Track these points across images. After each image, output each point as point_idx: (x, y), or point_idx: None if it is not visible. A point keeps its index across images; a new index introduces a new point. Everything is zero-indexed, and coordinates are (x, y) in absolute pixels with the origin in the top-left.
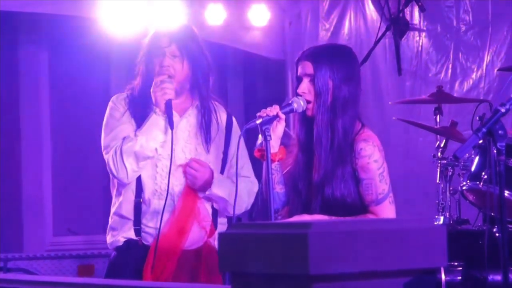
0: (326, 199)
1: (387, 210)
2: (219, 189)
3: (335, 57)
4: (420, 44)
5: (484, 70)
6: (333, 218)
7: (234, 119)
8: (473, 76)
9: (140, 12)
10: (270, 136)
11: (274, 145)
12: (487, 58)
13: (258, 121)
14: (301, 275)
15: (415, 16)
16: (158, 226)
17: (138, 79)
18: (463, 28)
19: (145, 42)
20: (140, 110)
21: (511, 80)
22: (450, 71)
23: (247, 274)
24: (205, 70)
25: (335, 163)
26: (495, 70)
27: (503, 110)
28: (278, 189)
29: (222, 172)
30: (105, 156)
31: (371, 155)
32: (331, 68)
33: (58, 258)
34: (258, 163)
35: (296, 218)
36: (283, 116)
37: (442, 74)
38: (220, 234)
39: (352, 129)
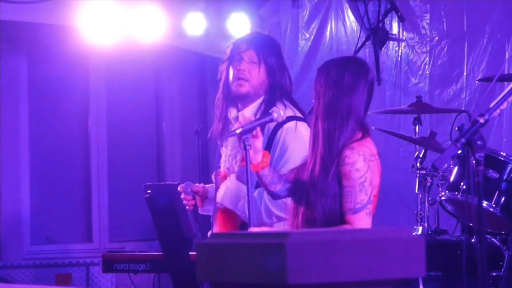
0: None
1: (363, 221)
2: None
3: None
4: (399, 54)
5: (464, 81)
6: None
7: (287, 128)
8: (453, 86)
9: (119, 20)
10: (249, 145)
11: (256, 157)
12: (466, 68)
13: (237, 131)
14: (279, 285)
15: (394, 26)
16: None
17: (220, 84)
18: (437, 38)
19: (227, 50)
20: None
21: (490, 91)
22: (428, 81)
23: (226, 283)
24: (284, 82)
25: (320, 172)
26: (476, 81)
27: (482, 120)
28: (273, 188)
29: None
30: None
31: (354, 163)
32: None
33: (36, 267)
34: None
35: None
36: (259, 135)
37: (422, 84)
38: (198, 244)
39: (340, 137)
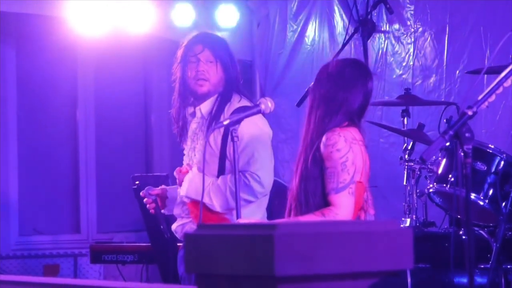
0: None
1: (346, 200)
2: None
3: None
4: (385, 45)
5: (444, 72)
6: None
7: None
8: (433, 77)
9: (107, 11)
10: (237, 137)
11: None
12: (446, 60)
13: (225, 122)
14: (266, 277)
15: (380, 17)
16: None
17: (176, 86)
18: (421, 29)
19: (179, 51)
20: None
21: (478, 83)
22: (411, 72)
23: (213, 275)
24: (237, 75)
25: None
26: (464, 72)
27: (470, 113)
28: None
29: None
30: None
31: (335, 144)
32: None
33: (24, 258)
34: None
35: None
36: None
37: (406, 75)
38: (186, 235)
39: (329, 124)
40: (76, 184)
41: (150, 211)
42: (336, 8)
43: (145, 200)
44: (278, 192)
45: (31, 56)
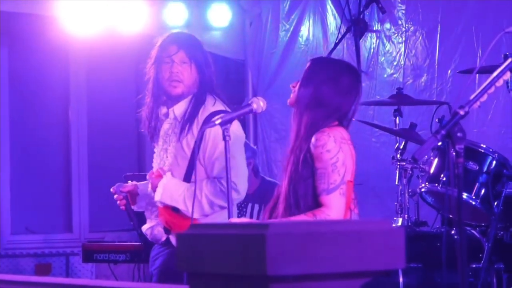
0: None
1: (337, 201)
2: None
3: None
4: (376, 45)
5: (436, 71)
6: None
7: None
8: (424, 76)
9: (99, 10)
10: (229, 136)
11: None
12: (437, 59)
13: (217, 122)
14: (258, 276)
15: (372, 17)
16: None
17: (149, 86)
18: (412, 28)
19: (153, 51)
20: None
21: (471, 82)
22: (402, 71)
23: (205, 274)
24: (211, 76)
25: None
26: (456, 72)
27: (462, 112)
28: None
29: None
30: None
31: (324, 144)
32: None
33: (16, 257)
34: None
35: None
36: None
37: (397, 75)
38: (178, 234)
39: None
40: (68, 183)
41: (121, 207)
42: (328, 8)
43: (115, 196)
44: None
45: (23, 56)
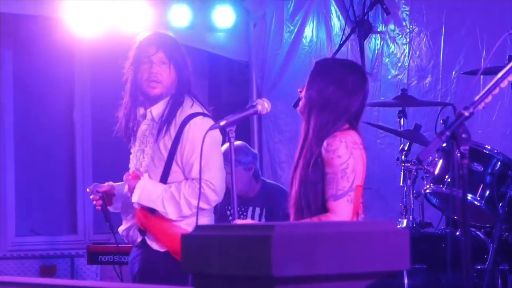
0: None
1: (344, 208)
2: None
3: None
4: (380, 46)
5: (440, 72)
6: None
7: (193, 123)
8: (429, 78)
9: (104, 12)
10: (234, 137)
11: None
12: (442, 60)
13: (222, 123)
14: (263, 277)
15: (376, 18)
16: None
17: (127, 86)
18: (416, 29)
19: (132, 52)
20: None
21: (475, 84)
22: (407, 72)
23: (210, 275)
24: (189, 77)
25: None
26: (460, 73)
27: (466, 113)
28: None
29: None
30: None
31: (336, 150)
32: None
33: (21, 259)
34: None
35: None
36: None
37: (401, 76)
38: (183, 236)
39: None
40: (73, 185)
41: (97, 208)
42: (333, 9)
43: (91, 196)
44: (278, 195)
45: (28, 57)
